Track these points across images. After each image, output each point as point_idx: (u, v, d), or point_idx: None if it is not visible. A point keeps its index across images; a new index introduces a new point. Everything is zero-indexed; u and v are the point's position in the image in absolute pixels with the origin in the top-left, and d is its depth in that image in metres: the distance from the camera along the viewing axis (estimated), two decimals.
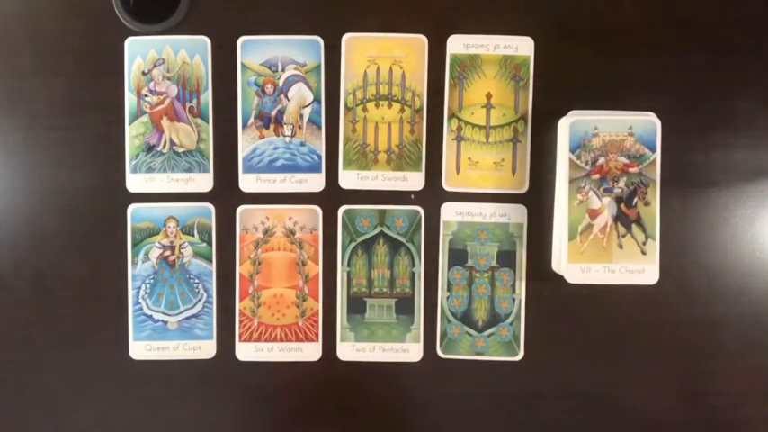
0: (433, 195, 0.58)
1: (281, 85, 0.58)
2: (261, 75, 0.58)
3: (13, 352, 0.58)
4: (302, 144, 0.58)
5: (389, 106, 0.58)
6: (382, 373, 0.58)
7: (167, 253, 0.58)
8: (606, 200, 0.53)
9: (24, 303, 0.58)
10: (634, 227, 0.53)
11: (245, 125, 0.58)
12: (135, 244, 0.58)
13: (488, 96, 0.58)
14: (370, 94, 0.58)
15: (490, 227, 0.58)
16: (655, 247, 0.53)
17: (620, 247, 0.53)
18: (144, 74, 0.58)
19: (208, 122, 0.58)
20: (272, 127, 0.58)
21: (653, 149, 0.53)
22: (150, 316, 0.58)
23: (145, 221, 0.58)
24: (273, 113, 0.58)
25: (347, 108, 0.58)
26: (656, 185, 0.53)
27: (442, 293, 0.58)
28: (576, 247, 0.53)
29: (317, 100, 0.58)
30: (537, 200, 0.58)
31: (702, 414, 0.58)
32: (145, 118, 0.58)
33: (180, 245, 0.58)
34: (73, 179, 0.57)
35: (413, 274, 0.58)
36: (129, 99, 0.58)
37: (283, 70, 0.58)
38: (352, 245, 0.58)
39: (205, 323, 0.58)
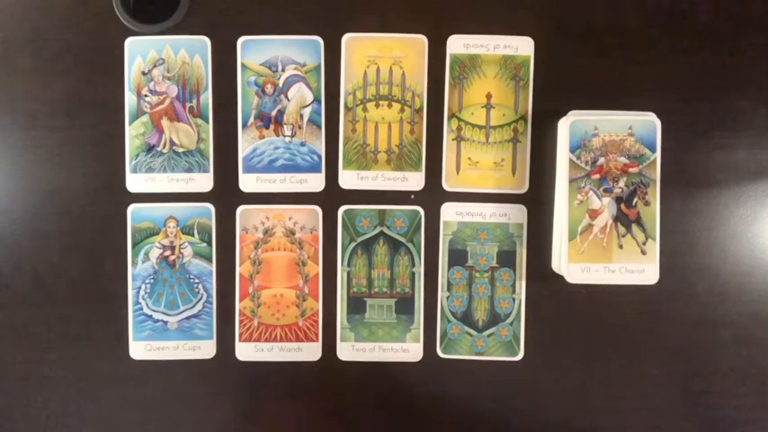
0: (433, 195, 0.58)
1: (281, 85, 0.58)
2: (261, 75, 0.58)
3: (13, 352, 0.58)
4: (302, 144, 0.58)
5: (389, 106, 0.58)
6: (382, 373, 0.58)
7: (167, 253, 0.58)
8: (606, 200, 0.53)
9: (24, 303, 0.58)
10: (634, 227, 0.53)
11: (245, 125, 0.58)
12: (135, 244, 0.58)
13: (488, 96, 0.58)
14: (370, 94, 0.58)
15: (490, 227, 0.58)
16: (655, 247, 0.53)
17: (620, 247, 0.53)
18: (144, 74, 0.58)
19: (208, 122, 0.58)
20: (272, 127, 0.58)
21: (653, 149, 0.53)
22: (150, 316, 0.58)
23: (145, 221, 0.58)
24: (273, 113, 0.58)
25: (347, 108, 0.58)
26: (656, 185, 0.53)
27: (442, 293, 0.58)
28: (576, 247, 0.53)
29: (317, 100, 0.58)
30: (537, 200, 0.58)
31: (702, 414, 0.58)
32: (145, 118, 0.58)
33: (180, 245, 0.58)
34: (73, 179, 0.57)
35: (413, 274, 0.58)
36: (129, 99, 0.58)
37: (283, 70, 0.58)
38: (352, 245, 0.58)
39: (205, 323, 0.58)
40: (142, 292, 0.58)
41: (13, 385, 0.58)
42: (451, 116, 0.58)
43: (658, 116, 0.53)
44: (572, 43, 0.57)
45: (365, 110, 0.58)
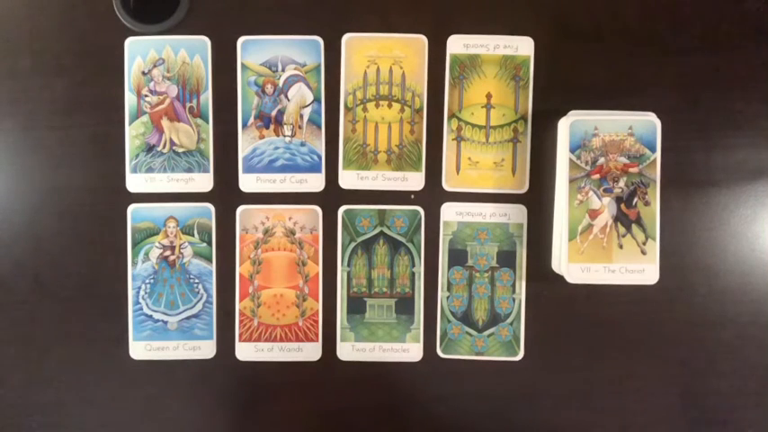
0: (433, 195, 0.58)
1: (281, 85, 0.58)
2: (261, 75, 0.58)
3: (13, 352, 0.58)
4: (302, 144, 0.58)
5: (389, 106, 0.58)
6: (382, 373, 0.58)
7: (167, 253, 0.58)
8: (606, 200, 0.53)
9: (24, 303, 0.58)
10: (634, 227, 0.53)
11: (245, 125, 0.58)
12: (135, 244, 0.58)
13: (488, 96, 0.58)
14: (370, 94, 0.58)
15: (490, 227, 0.58)
16: (655, 247, 0.53)
17: (620, 247, 0.53)
18: (144, 74, 0.58)
19: (208, 122, 0.58)
20: (272, 127, 0.58)
21: (653, 149, 0.53)
22: (150, 316, 0.58)
23: (145, 221, 0.58)
24: (273, 113, 0.58)
25: (347, 108, 0.58)
26: (656, 185, 0.53)
27: (442, 293, 0.58)
28: (576, 247, 0.53)
29: (317, 100, 0.58)
30: (537, 200, 0.58)
31: (702, 414, 0.58)
32: (145, 118, 0.58)
33: (180, 245, 0.58)
34: (73, 179, 0.57)
35: (413, 274, 0.58)
36: (129, 99, 0.58)
37: (283, 70, 0.58)
38: (352, 245, 0.58)
39: (205, 323, 0.58)
40: (142, 292, 0.58)
41: (13, 385, 0.58)
42: (451, 116, 0.58)
43: (658, 116, 0.53)
44: (572, 43, 0.57)
45: (365, 110, 0.58)
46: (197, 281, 0.58)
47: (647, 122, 0.53)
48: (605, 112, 0.54)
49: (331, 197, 0.58)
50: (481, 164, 0.58)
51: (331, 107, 0.58)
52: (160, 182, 0.58)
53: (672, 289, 0.57)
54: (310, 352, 0.58)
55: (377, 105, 0.58)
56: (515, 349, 0.58)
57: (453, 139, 0.58)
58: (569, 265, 0.53)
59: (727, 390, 0.58)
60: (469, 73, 0.57)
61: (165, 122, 0.58)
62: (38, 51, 0.57)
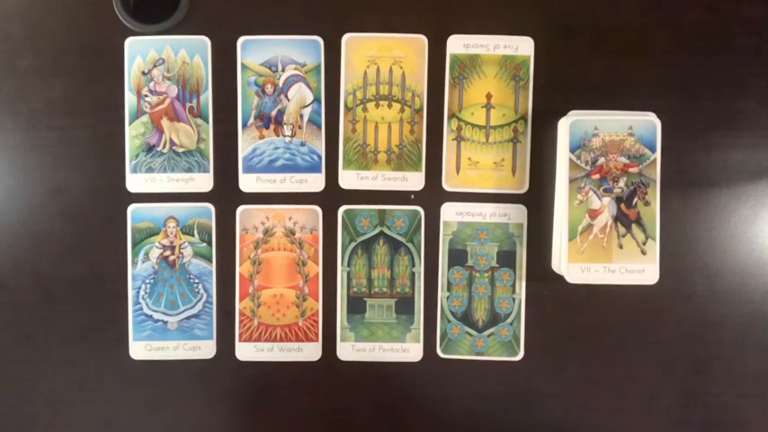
0: (433, 195, 0.58)
1: (281, 85, 0.58)
2: (261, 75, 0.58)
3: (13, 352, 0.58)
4: (302, 144, 0.58)
5: (389, 106, 0.58)
6: (382, 373, 0.58)
7: (167, 253, 0.58)
8: (606, 200, 0.53)
9: (24, 303, 0.58)
10: (634, 227, 0.53)
11: (245, 125, 0.58)
12: (135, 244, 0.58)
13: (488, 96, 0.58)
14: (370, 94, 0.58)
15: (490, 227, 0.58)
16: (655, 247, 0.53)
17: (620, 247, 0.53)
18: (144, 74, 0.58)
19: (208, 122, 0.58)
20: (272, 127, 0.58)
21: (653, 149, 0.53)
22: (150, 316, 0.58)
23: (145, 221, 0.58)
24: (273, 113, 0.58)
25: (347, 108, 0.58)
26: (656, 185, 0.53)
27: (442, 293, 0.58)
28: (576, 247, 0.53)
29: (317, 100, 0.58)
30: (537, 200, 0.58)
31: (702, 414, 0.58)
32: (145, 118, 0.58)
33: (180, 245, 0.58)
34: (73, 179, 0.57)
35: (413, 274, 0.58)
36: (129, 99, 0.58)
37: (283, 70, 0.58)
38: (352, 245, 0.58)
39: (205, 323, 0.58)
40: (142, 292, 0.58)
41: (13, 385, 0.58)
42: (451, 116, 0.58)
43: (658, 116, 0.53)
44: (572, 43, 0.57)
45: (365, 110, 0.58)
46: (197, 281, 0.58)
47: (647, 122, 0.53)
48: (605, 112, 0.54)
49: (331, 197, 0.58)
50: (481, 164, 0.58)
51: (331, 107, 0.58)
52: (160, 182, 0.58)
53: (672, 289, 0.57)
54: (310, 352, 0.58)
55: (377, 105, 0.58)
56: (515, 349, 0.58)
57: (453, 139, 0.58)
58: (569, 265, 0.53)
59: (727, 390, 0.58)
60: (469, 73, 0.57)
61: (165, 122, 0.58)
62: (38, 51, 0.57)
